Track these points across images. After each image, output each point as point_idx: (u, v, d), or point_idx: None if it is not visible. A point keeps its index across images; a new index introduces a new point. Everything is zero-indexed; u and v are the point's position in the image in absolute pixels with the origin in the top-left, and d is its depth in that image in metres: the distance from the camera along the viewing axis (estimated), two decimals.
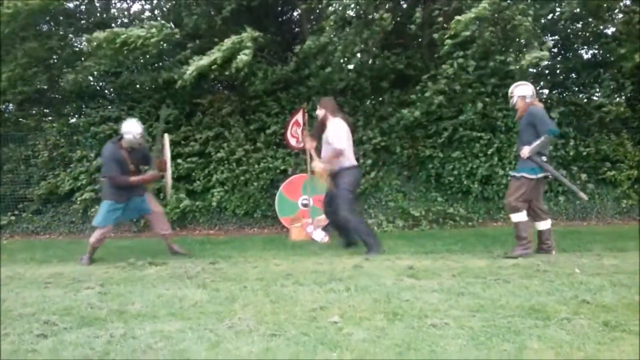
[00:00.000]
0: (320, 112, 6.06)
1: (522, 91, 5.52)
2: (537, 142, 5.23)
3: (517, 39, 7.12)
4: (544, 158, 5.33)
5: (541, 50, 6.56)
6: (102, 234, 5.79)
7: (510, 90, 5.67)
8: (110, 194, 5.76)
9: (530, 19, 6.66)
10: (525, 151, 5.27)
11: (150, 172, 5.94)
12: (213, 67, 6.80)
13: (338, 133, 5.82)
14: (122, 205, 5.79)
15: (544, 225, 5.52)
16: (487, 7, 6.19)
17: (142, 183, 5.89)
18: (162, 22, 7.28)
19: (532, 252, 5.38)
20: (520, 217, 5.37)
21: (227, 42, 6.74)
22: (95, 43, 7.06)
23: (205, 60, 6.75)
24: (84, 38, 7.96)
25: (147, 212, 6.04)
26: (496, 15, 6.83)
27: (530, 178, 5.32)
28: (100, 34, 6.96)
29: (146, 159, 6.04)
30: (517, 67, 6.68)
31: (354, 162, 6.01)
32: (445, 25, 6.83)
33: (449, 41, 6.55)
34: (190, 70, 6.79)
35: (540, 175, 5.34)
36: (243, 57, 6.64)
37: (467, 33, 6.42)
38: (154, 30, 6.91)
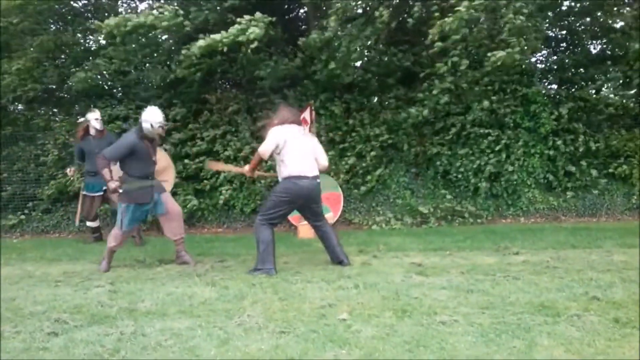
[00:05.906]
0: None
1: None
2: None
3: (510, 38, 7.03)
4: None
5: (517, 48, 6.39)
6: (124, 237, 5.28)
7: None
8: (135, 196, 5.14)
9: (523, 17, 6.53)
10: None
11: None
12: (225, 40, 6.51)
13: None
14: (148, 206, 5.28)
15: None
16: (482, 2, 6.08)
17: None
18: (176, 7, 7.21)
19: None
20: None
21: (240, 22, 6.59)
22: (106, 30, 7.00)
23: (217, 35, 6.53)
24: (94, 24, 7.87)
25: (161, 212, 5.40)
26: (485, 15, 6.75)
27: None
28: (111, 19, 6.92)
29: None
30: (490, 65, 6.57)
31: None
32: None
33: (439, 44, 6.45)
34: (200, 43, 6.59)
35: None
36: (255, 29, 6.42)
37: (457, 37, 6.31)
38: (166, 13, 6.86)
